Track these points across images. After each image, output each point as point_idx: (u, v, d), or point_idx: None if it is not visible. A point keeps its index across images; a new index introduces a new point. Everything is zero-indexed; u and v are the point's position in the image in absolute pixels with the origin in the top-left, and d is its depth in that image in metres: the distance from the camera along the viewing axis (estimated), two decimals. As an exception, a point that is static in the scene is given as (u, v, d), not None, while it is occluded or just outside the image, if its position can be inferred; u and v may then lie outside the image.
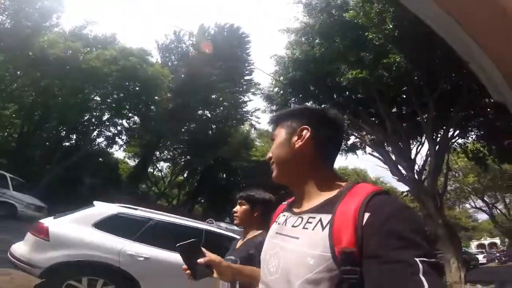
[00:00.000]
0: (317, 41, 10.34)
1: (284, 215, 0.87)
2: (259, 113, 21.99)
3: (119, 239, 3.81)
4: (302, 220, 0.76)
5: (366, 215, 0.62)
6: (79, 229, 3.73)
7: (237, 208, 1.72)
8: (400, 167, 11.71)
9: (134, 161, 26.46)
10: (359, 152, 14.68)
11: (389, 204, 0.64)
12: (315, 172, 0.81)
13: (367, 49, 8.68)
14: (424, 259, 0.54)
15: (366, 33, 7.71)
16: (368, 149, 13.81)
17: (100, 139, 19.90)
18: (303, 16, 11.12)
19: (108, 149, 21.37)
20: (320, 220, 0.70)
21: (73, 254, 3.51)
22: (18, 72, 15.43)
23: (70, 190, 17.70)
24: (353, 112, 11.68)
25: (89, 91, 16.66)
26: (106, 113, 19.15)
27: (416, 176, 11.34)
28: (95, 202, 4.41)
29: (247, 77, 23.99)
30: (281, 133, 0.86)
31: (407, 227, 0.59)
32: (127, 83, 14.34)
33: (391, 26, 6.96)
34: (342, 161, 19.86)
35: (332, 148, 0.86)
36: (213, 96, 22.43)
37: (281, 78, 12.90)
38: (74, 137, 20.08)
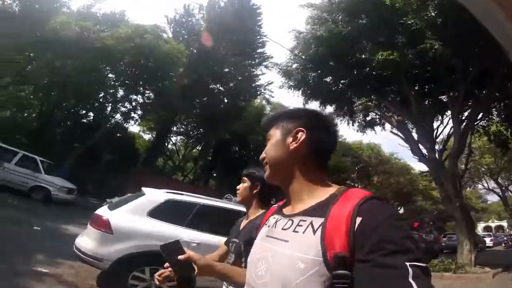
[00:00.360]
0: (340, 17, 9.85)
1: (275, 218, 0.87)
2: (272, 87, 21.50)
3: (173, 227, 4.02)
4: (292, 223, 0.76)
5: (358, 219, 0.63)
6: (137, 220, 3.90)
7: (240, 186, 1.74)
8: (421, 147, 11.66)
9: (149, 134, 26.98)
10: (377, 128, 14.63)
11: (381, 210, 0.64)
12: (308, 174, 0.81)
13: (397, 30, 8.29)
14: (415, 263, 0.55)
15: (404, 18, 7.33)
16: (388, 126, 13.72)
17: (117, 116, 20.04)
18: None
19: (125, 125, 21.69)
20: (311, 223, 0.70)
21: (137, 246, 3.70)
22: (31, 55, 15.23)
23: (92, 168, 18.27)
24: (375, 90, 11.43)
25: (103, 69, 16.51)
26: (121, 90, 19.17)
27: (436, 157, 11.31)
28: (144, 189, 4.51)
29: (259, 50, 23.21)
30: (276, 134, 0.86)
31: (398, 233, 0.60)
32: (141, 61, 14.02)
33: (433, 14, 6.58)
34: (356, 135, 19.63)
35: (325, 151, 0.85)
36: (226, 70, 21.96)
37: (300, 53, 12.52)
38: (92, 114, 20.24)
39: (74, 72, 16.18)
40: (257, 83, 22.04)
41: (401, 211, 25.29)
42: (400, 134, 11.92)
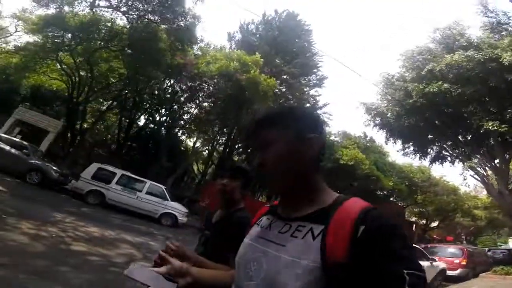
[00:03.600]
0: (451, 76, 11.30)
1: (269, 219, 0.84)
2: (329, 108, 22.66)
3: None
4: (290, 228, 0.74)
5: (361, 228, 0.63)
6: None
7: (227, 181, 1.55)
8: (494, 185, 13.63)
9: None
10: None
11: (383, 220, 0.65)
12: (312, 180, 0.78)
13: (508, 103, 10.05)
14: (412, 271, 0.58)
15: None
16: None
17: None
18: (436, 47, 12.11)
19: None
20: (311, 229, 0.69)
21: None
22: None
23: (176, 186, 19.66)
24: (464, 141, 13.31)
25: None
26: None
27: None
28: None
29: (314, 70, 24.39)
30: (283, 141, 0.77)
31: (398, 243, 0.62)
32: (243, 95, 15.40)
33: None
34: (406, 159, 21.34)
35: (324, 154, 0.82)
36: (283, 90, 23.19)
37: (390, 97, 14.12)
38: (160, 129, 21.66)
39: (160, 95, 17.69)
40: (315, 105, 23.29)
41: (436, 223, 27.53)
42: (478, 178, 13.69)
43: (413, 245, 10.70)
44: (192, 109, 21.28)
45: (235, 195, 1.55)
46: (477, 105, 10.91)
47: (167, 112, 20.74)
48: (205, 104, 19.97)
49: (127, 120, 19.65)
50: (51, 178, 11.82)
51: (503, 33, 10.75)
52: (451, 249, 12.26)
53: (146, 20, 14.34)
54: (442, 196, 22.02)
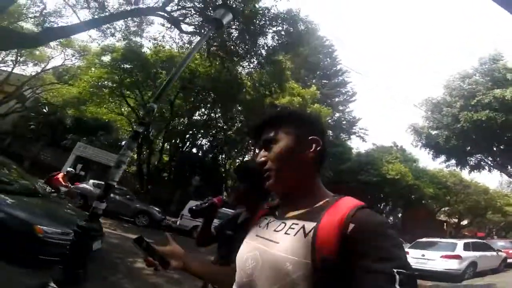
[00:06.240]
0: (497, 106, 13.95)
1: (266, 219, 0.91)
2: (361, 124, 24.47)
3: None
4: (284, 226, 0.80)
5: (351, 226, 0.67)
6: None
7: (240, 185, 1.54)
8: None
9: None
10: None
11: (373, 219, 0.70)
12: (311, 181, 0.86)
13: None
14: (402, 270, 0.60)
15: None
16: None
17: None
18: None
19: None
20: (303, 227, 0.75)
21: None
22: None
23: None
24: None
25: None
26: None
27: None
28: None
29: (344, 89, 26.88)
30: (285, 140, 0.87)
31: (388, 241, 0.66)
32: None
33: None
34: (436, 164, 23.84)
35: (326, 156, 0.90)
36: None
37: (438, 121, 16.84)
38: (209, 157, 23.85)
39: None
40: (349, 121, 25.59)
41: (465, 222, 30.45)
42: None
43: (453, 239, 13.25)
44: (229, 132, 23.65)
45: (249, 199, 1.49)
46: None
47: (211, 138, 23.03)
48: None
49: (178, 146, 21.83)
50: (156, 219, 14.10)
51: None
52: (501, 243, 14.73)
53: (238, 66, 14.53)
54: (473, 196, 24.80)
